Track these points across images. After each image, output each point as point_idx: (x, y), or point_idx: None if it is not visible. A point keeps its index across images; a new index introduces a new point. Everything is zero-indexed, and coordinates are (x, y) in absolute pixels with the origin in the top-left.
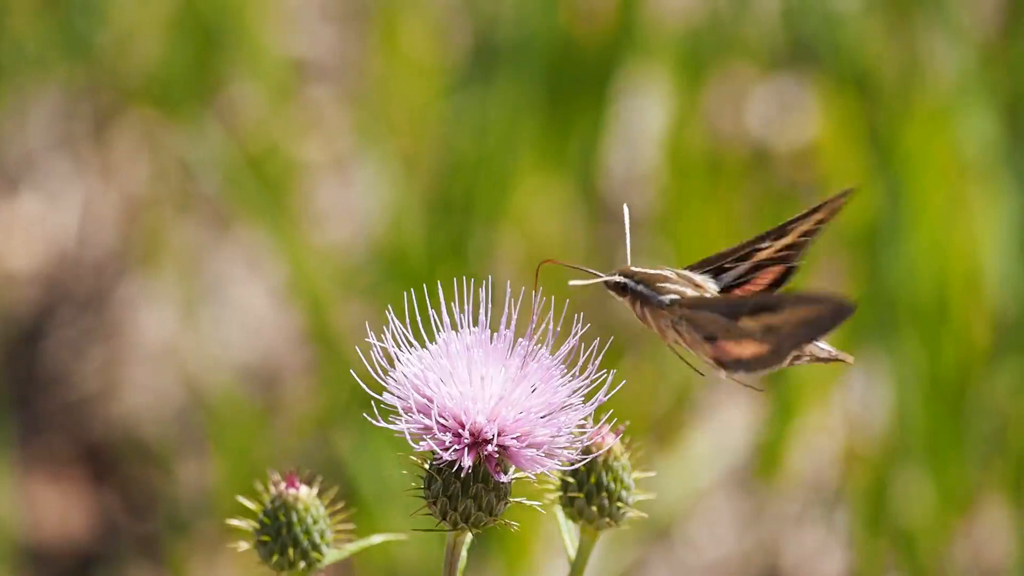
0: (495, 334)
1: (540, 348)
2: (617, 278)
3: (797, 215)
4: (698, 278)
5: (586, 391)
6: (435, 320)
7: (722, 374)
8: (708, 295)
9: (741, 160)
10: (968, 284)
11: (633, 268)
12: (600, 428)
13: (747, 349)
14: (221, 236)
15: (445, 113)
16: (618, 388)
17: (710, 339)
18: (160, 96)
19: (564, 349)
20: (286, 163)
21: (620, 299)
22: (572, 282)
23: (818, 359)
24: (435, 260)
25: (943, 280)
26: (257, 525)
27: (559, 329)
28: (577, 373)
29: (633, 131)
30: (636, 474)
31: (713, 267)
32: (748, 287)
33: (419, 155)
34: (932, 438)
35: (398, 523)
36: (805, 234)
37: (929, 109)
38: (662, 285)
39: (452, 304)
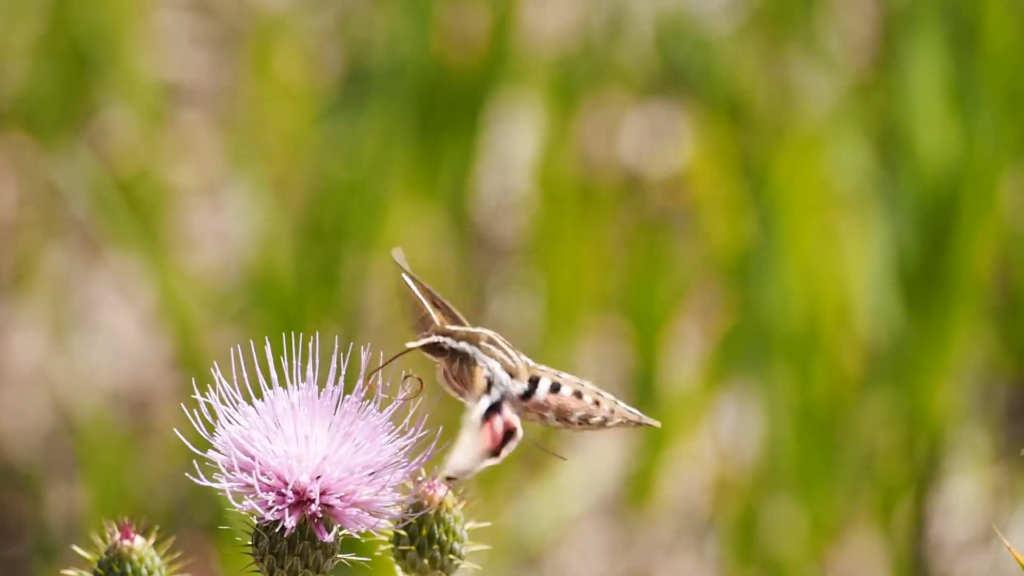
0: (324, 390)
1: (368, 405)
2: (436, 338)
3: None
4: (503, 343)
5: (413, 448)
6: (261, 378)
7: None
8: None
9: (613, 187)
10: (839, 314)
11: (448, 327)
12: (431, 481)
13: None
14: (91, 260)
15: (317, 139)
16: (446, 445)
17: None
18: (30, 119)
19: (392, 406)
20: (157, 188)
21: (435, 359)
22: (408, 345)
23: (628, 421)
24: (305, 286)
25: (814, 310)
26: None
27: (388, 384)
28: (406, 429)
29: (505, 158)
30: (472, 524)
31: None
32: None
33: (290, 181)
34: (802, 467)
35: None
36: None
37: (801, 138)
38: (483, 345)
39: (281, 359)
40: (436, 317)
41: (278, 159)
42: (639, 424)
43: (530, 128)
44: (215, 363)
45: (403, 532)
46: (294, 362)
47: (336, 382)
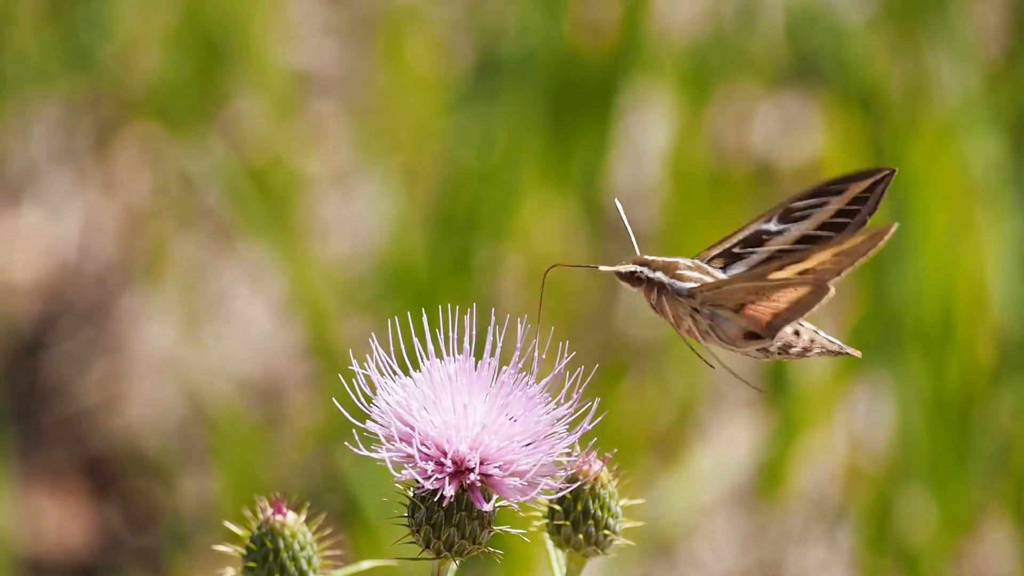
0: (480, 362)
1: (525, 376)
2: (631, 267)
3: (802, 193)
4: (708, 267)
5: (571, 419)
6: (419, 348)
7: (748, 349)
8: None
9: (745, 176)
10: (973, 304)
11: (647, 257)
12: (587, 455)
13: (782, 300)
14: (223, 249)
15: (448, 128)
16: (602, 416)
17: (738, 310)
18: (163, 109)
19: (550, 377)
20: (289, 176)
21: (633, 289)
22: (602, 268)
23: (828, 351)
24: (438, 275)
25: (948, 299)
26: (244, 551)
27: (544, 357)
28: (562, 401)
29: (637, 147)
30: (624, 501)
31: (721, 252)
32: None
33: (422, 170)
34: (935, 457)
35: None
36: (827, 226)
37: (934, 128)
38: (680, 272)
39: (436, 331)
40: (638, 249)
41: (409, 148)
42: (839, 354)
43: (662, 117)
44: (372, 334)
45: (558, 507)
46: (450, 334)
47: (492, 354)
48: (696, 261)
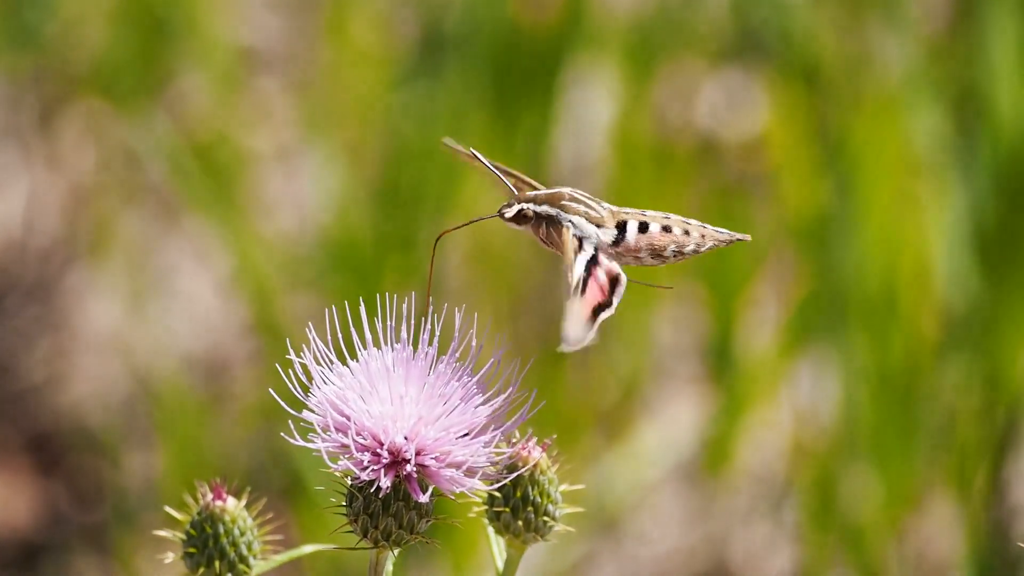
0: (418, 351)
1: (463, 365)
2: (517, 206)
3: None
4: (586, 196)
5: (508, 409)
6: (356, 338)
7: (642, 260)
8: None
9: (689, 152)
10: (917, 279)
11: (528, 193)
12: (525, 443)
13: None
14: (168, 226)
15: (393, 103)
16: (539, 407)
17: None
18: (107, 85)
19: (487, 367)
20: (233, 153)
21: (520, 228)
22: (451, 228)
23: (720, 242)
24: (383, 251)
25: (891, 274)
26: (184, 536)
27: (482, 345)
28: (500, 390)
29: (581, 122)
30: (565, 486)
31: None
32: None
33: (367, 145)
34: (880, 433)
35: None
36: None
37: (878, 103)
38: (565, 203)
39: (375, 320)
40: (512, 187)
41: (354, 124)
42: (731, 242)
43: (606, 92)
44: (309, 323)
45: (497, 494)
46: (388, 323)
47: (430, 343)
48: (571, 190)
